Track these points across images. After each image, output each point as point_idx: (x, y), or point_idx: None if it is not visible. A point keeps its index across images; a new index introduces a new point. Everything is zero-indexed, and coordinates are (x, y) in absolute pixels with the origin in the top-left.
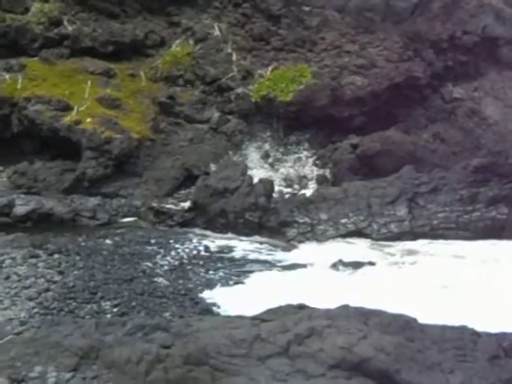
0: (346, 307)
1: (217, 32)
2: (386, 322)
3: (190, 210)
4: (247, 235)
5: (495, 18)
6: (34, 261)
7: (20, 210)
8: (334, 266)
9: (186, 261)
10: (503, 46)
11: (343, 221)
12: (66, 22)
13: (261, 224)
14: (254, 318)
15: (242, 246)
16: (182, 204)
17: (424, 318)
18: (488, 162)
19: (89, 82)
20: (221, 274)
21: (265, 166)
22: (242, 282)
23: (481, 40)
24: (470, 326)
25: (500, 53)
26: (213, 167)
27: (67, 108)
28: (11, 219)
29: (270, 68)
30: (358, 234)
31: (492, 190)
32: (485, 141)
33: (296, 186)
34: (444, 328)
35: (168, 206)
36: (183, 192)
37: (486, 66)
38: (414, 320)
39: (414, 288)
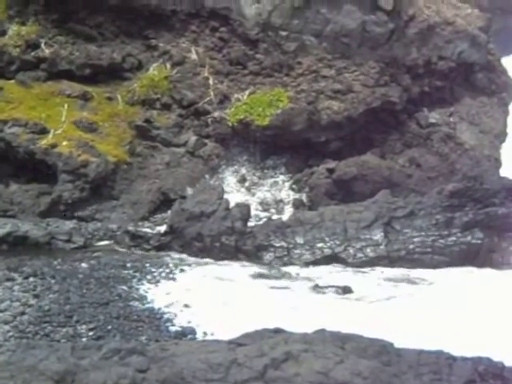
0: (322, 331)
1: (194, 56)
2: (363, 347)
3: (166, 233)
4: (223, 259)
5: (470, 44)
6: (9, 284)
7: None
8: (312, 290)
9: (162, 285)
10: (478, 71)
11: (319, 245)
12: (43, 45)
13: (237, 248)
14: (230, 342)
15: (219, 270)
16: (159, 228)
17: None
18: (463, 187)
19: (65, 105)
20: (198, 297)
21: (241, 190)
22: (220, 306)
23: (456, 66)
24: (445, 350)
25: (475, 78)
26: (189, 191)
27: (44, 131)
28: None
29: (246, 92)
30: (334, 258)
31: (467, 215)
32: (460, 166)
33: (272, 210)
34: (420, 352)
35: (144, 229)
36: (159, 216)
37: (461, 91)
38: (391, 344)
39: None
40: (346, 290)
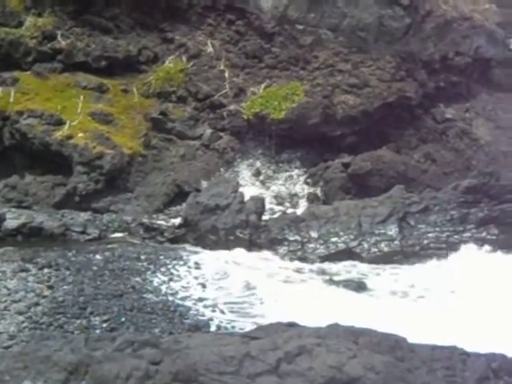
0: (336, 326)
1: (210, 49)
2: (376, 341)
3: (180, 226)
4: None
5: (487, 40)
6: (23, 275)
7: (10, 223)
8: (326, 284)
9: (176, 277)
10: (495, 67)
11: (334, 239)
12: (59, 37)
13: (251, 241)
14: (243, 336)
15: (233, 263)
16: (173, 220)
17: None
18: (479, 182)
19: (81, 97)
20: (210, 290)
21: (256, 184)
22: (234, 299)
23: (473, 61)
24: (459, 346)
25: (492, 74)
26: (204, 184)
27: (59, 122)
28: (1, 233)
29: (262, 85)
30: (349, 252)
31: (482, 210)
32: (476, 162)
33: (287, 204)
34: (433, 348)
35: (159, 221)
36: (174, 208)
37: (477, 87)
38: (404, 339)
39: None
40: (360, 286)
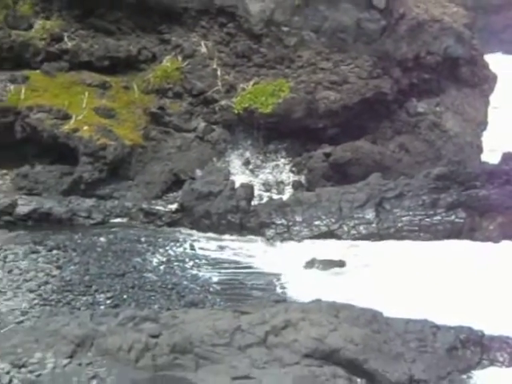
0: (318, 302)
1: (203, 49)
2: (355, 316)
3: (177, 211)
4: (229, 235)
5: (456, 40)
6: (34, 256)
7: (22, 209)
8: (309, 263)
9: (173, 258)
10: (463, 65)
11: (316, 223)
12: (66, 38)
13: (242, 225)
14: (234, 311)
15: (224, 245)
16: (170, 206)
17: (388, 310)
18: (448, 170)
19: (86, 94)
20: (204, 270)
21: (246, 172)
22: (227, 277)
23: (443, 60)
24: (430, 319)
25: (460, 72)
26: (198, 172)
27: (66, 117)
28: (14, 218)
29: (251, 82)
30: (330, 234)
31: (451, 196)
32: (445, 151)
33: (274, 191)
34: (407, 321)
35: (157, 207)
36: (171, 195)
37: (447, 83)
38: (380, 314)
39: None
40: (341, 264)
